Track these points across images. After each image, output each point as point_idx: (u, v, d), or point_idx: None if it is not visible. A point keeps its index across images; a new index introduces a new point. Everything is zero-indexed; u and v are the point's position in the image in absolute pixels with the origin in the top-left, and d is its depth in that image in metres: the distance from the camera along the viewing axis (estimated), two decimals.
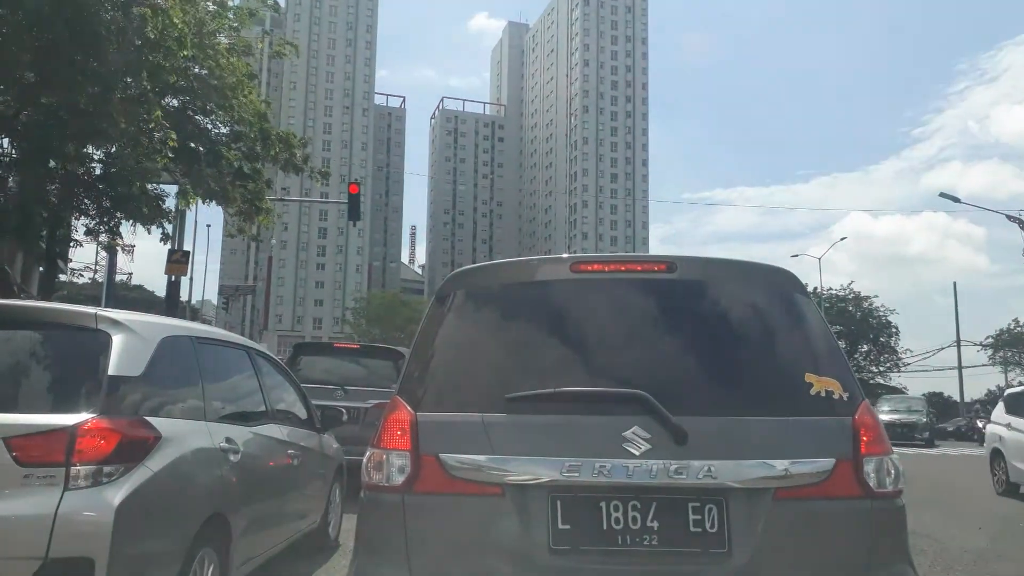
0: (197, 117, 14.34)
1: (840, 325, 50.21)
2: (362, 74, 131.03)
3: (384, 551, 2.49)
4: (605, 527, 2.38)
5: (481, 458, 2.43)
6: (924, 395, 36.93)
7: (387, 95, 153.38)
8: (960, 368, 43.82)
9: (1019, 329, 57.56)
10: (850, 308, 54.20)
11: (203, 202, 15.13)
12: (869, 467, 2.44)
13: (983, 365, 56.59)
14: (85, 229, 14.82)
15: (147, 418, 3.32)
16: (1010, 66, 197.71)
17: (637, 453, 2.38)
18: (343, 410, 6.47)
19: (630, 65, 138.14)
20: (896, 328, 54.94)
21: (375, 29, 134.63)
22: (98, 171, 13.77)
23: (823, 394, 2.52)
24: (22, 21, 9.69)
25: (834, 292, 54.79)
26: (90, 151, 12.88)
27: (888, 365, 55.64)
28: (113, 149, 12.33)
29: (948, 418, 44.25)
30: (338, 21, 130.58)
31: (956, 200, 31.12)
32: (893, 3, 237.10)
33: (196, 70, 12.71)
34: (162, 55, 10.56)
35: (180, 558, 3.32)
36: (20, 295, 14.24)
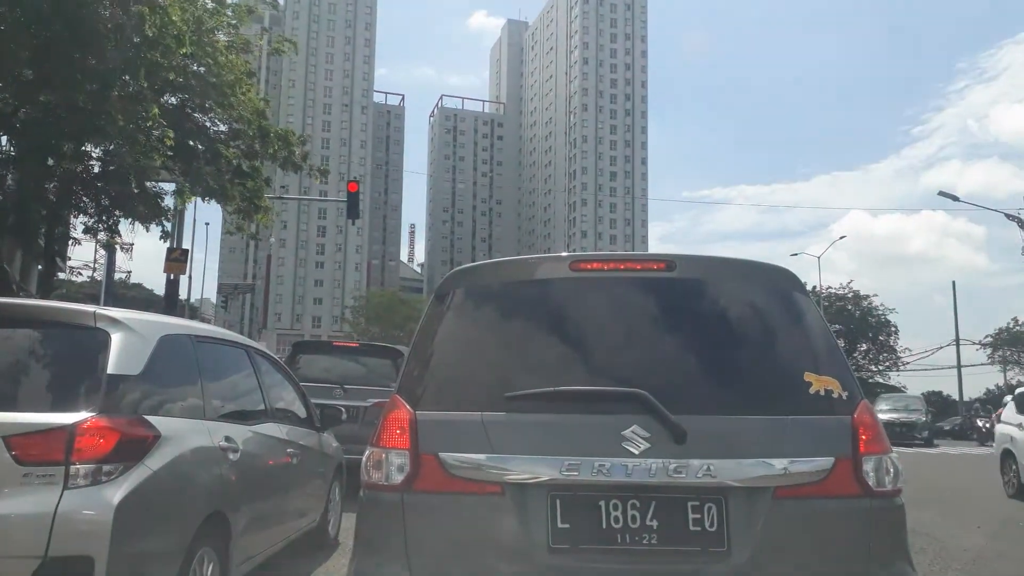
0: (196, 115, 14.33)
1: (839, 324, 50.23)
2: (361, 72, 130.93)
3: (383, 550, 2.49)
4: (604, 526, 2.38)
5: (480, 457, 2.43)
6: (923, 394, 36.79)
7: (386, 93, 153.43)
8: (959, 367, 43.86)
9: (1018, 328, 57.58)
10: (849, 307, 54.21)
11: (203, 200, 15.11)
12: (868, 466, 2.45)
13: (982, 364, 56.72)
14: (84, 227, 14.84)
15: (146, 417, 3.31)
16: (1010, 65, 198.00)
17: (636, 452, 2.38)
18: (342, 409, 6.45)
19: (629, 63, 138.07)
20: (895, 327, 55.00)
21: (374, 27, 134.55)
22: (97, 169, 13.77)
23: (822, 393, 2.52)
24: (21, 18, 9.68)
25: (833, 291, 54.80)
26: (89, 149, 12.87)
27: (887, 364, 55.67)
28: (111, 147, 12.31)
29: (946, 417, 44.29)
30: (337, 19, 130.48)
31: (955, 199, 31.11)
32: (893, 2, 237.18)
33: (195, 68, 12.69)
34: (160, 53, 10.55)
35: (180, 557, 3.32)
36: (19, 293, 14.23)
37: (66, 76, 10.11)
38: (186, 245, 20.97)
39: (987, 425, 29.45)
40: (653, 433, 2.39)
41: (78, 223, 15.06)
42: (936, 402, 50.01)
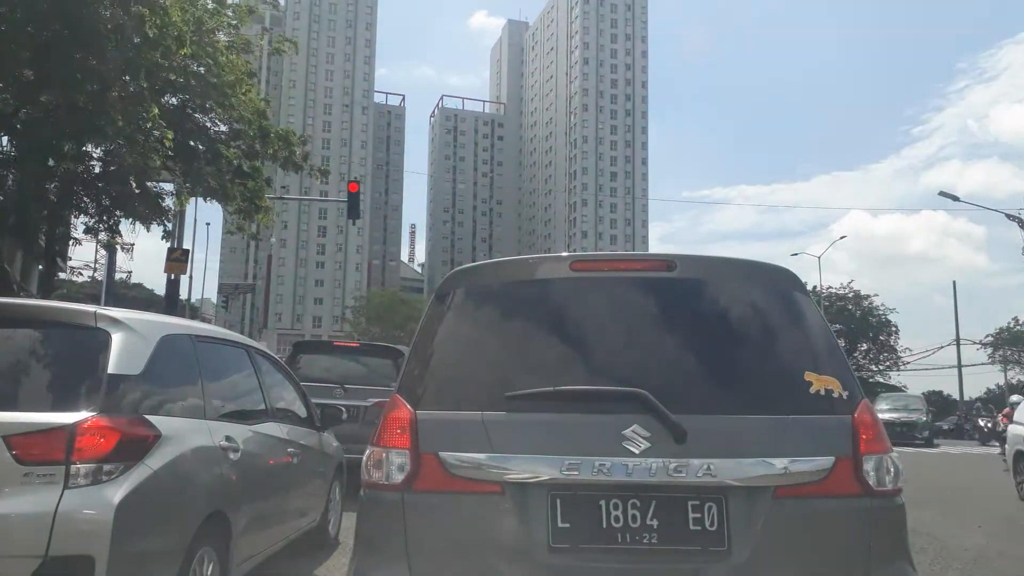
0: (196, 115, 14.33)
1: (840, 324, 50.19)
2: (361, 72, 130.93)
3: (384, 549, 2.49)
4: (604, 525, 2.38)
5: (481, 456, 2.43)
6: (923, 394, 36.65)
7: (387, 93, 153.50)
8: (960, 367, 43.85)
9: (1019, 328, 57.59)
10: (850, 307, 54.19)
11: (203, 200, 15.12)
12: (869, 465, 2.45)
13: (982, 364, 56.67)
14: (84, 227, 14.84)
15: (147, 416, 3.31)
16: (1010, 65, 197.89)
17: (637, 451, 2.38)
18: (343, 408, 6.45)
19: (630, 63, 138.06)
20: (896, 327, 54.97)
21: (374, 27, 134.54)
22: (97, 169, 13.77)
23: (823, 392, 2.52)
24: (20, 18, 9.68)
25: (834, 291, 54.79)
26: (89, 149, 12.87)
27: (887, 364, 55.65)
28: (111, 147, 12.32)
29: (946, 416, 44.22)
30: (337, 19, 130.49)
31: (955, 199, 31.08)
32: (893, 1, 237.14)
33: (195, 68, 12.69)
34: (160, 54, 10.56)
35: (180, 556, 3.32)
36: (20, 293, 14.24)
37: (66, 76, 10.11)
38: (187, 245, 21.01)
39: (989, 425, 29.31)
40: (653, 433, 2.39)
41: (79, 223, 15.07)
42: (937, 402, 50.03)
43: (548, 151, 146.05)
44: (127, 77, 10.70)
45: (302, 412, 5.71)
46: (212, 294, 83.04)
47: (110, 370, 3.25)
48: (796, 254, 52.06)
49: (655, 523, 2.37)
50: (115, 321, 3.44)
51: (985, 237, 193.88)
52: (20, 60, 10.04)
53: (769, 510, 2.36)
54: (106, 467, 3.02)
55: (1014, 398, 16.98)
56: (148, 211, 14.12)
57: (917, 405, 28.67)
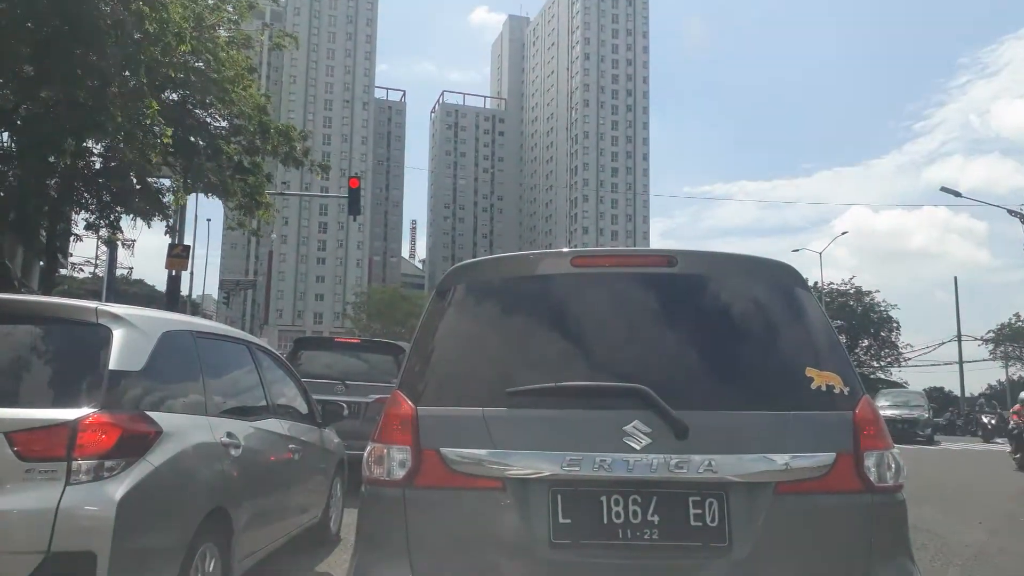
0: (196, 111, 14.33)
1: (841, 320, 50.16)
2: (362, 68, 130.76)
3: (385, 545, 2.49)
4: (606, 521, 2.38)
5: (482, 452, 2.43)
6: (924, 390, 36.43)
7: (387, 89, 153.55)
8: (961, 363, 43.84)
9: (1020, 324, 57.47)
10: (851, 303, 54.17)
11: (204, 196, 15.13)
12: (870, 461, 2.44)
13: (984, 360, 56.64)
14: (85, 223, 14.86)
15: (148, 413, 3.32)
16: (1011, 60, 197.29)
17: (638, 447, 2.38)
18: (344, 405, 6.47)
19: (631, 59, 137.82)
20: (897, 323, 54.91)
21: (375, 23, 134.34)
22: (98, 165, 13.78)
23: (824, 388, 2.52)
24: (20, 14, 9.67)
25: (835, 287, 54.77)
26: (89, 145, 12.87)
27: (889, 360, 55.63)
28: (111, 143, 12.32)
29: (942, 412, 44.17)
30: (338, 15, 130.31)
31: (957, 194, 31.05)
32: None
33: (195, 64, 12.69)
34: (160, 50, 10.55)
35: (181, 552, 3.33)
36: (21, 290, 14.24)
37: (66, 72, 10.11)
38: (188, 241, 20.99)
39: (993, 422, 29.09)
40: (654, 428, 2.39)
41: (79, 219, 15.10)
42: (938, 398, 49.95)
43: (549, 147, 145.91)
44: (127, 73, 10.70)
45: (303, 408, 5.71)
46: (213, 290, 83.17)
47: (111, 366, 3.25)
48: (797, 250, 51.97)
49: (656, 519, 2.37)
50: (116, 317, 3.44)
51: (987, 233, 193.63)
52: (20, 56, 10.05)
53: (770, 506, 2.36)
54: (107, 463, 3.03)
55: None
56: (149, 207, 14.13)
57: (918, 401, 27.98)
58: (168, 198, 14.90)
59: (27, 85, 10.92)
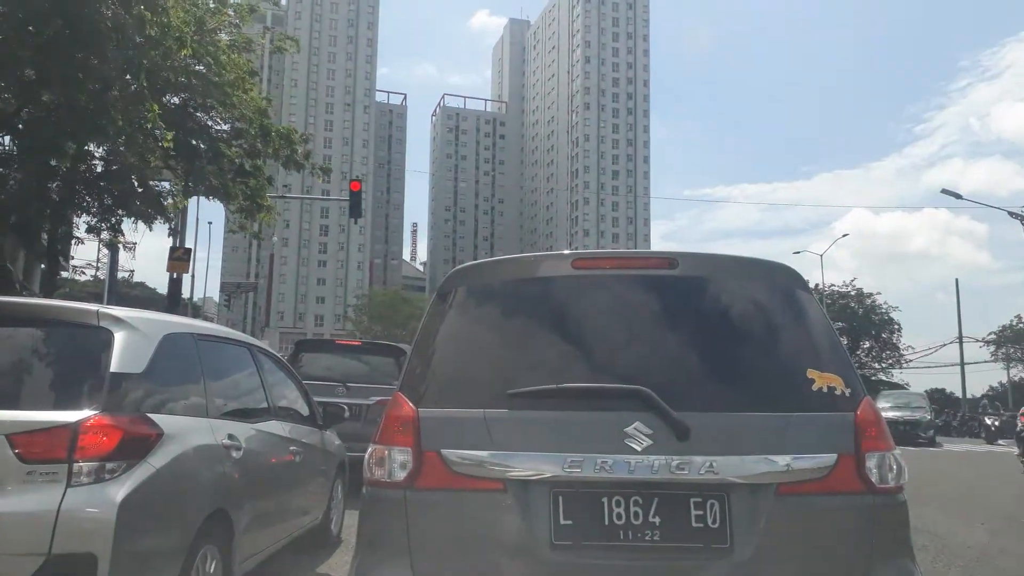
0: (198, 114, 14.34)
1: (842, 321, 50.13)
2: (363, 71, 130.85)
3: (386, 547, 2.49)
4: (607, 522, 2.38)
5: (483, 454, 2.43)
6: (926, 391, 36.19)
7: (388, 92, 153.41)
8: (962, 364, 43.78)
9: (1021, 325, 57.37)
10: (852, 305, 54.14)
11: (206, 199, 15.15)
12: (871, 463, 2.44)
13: (985, 361, 56.53)
14: (87, 226, 14.86)
15: (149, 415, 3.32)
16: (1012, 63, 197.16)
17: (639, 449, 2.38)
18: (345, 407, 6.47)
19: (631, 62, 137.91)
20: (898, 325, 54.88)
21: (376, 26, 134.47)
22: (99, 168, 13.79)
23: (825, 390, 2.52)
24: (21, 17, 9.69)
25: (836, 289, 54.75)
26: (91, 149, 12.89)
27: (890, 362, 55.58)
28: (112, 147, 12.33)
29: (939, 414, 44.04)
30: (339, 18, 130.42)
31: (958, 197, 31.06)
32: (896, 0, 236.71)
33: (196, 67, 12.70)
34: (161, 54, 10.57)
35: (182, 554, 3.33)
36: (22, 293, 14.25)
37: (67, 75, 10.12)
38: (189, 244, 21.03)
39: (996, 423, 28.96)
40: (656, 430, 2.39)
41: (81, 222, 15.09)
42: (939, 400, 49.88)
43: (550, 149, 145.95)
44: (128, 77, 10.71)
45: (304, 410, 5.71)
46: (214, 293, 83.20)
47: (112, 369, 3.25)
48: (798, 252, 52.13)
49: (657, 520, 2.37)
50: (117, 320, 3.44)
51: (987, 235, 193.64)
52: (21, 59, 10.05)
53: (771, 507, 2.36)
54: (108, 465, 3.03)
55: None
56: (150, 210, 14.13)
57: (920, 403, 27.37)
58: (169, 201, 14.91)
59: (28, 89, 10.93)
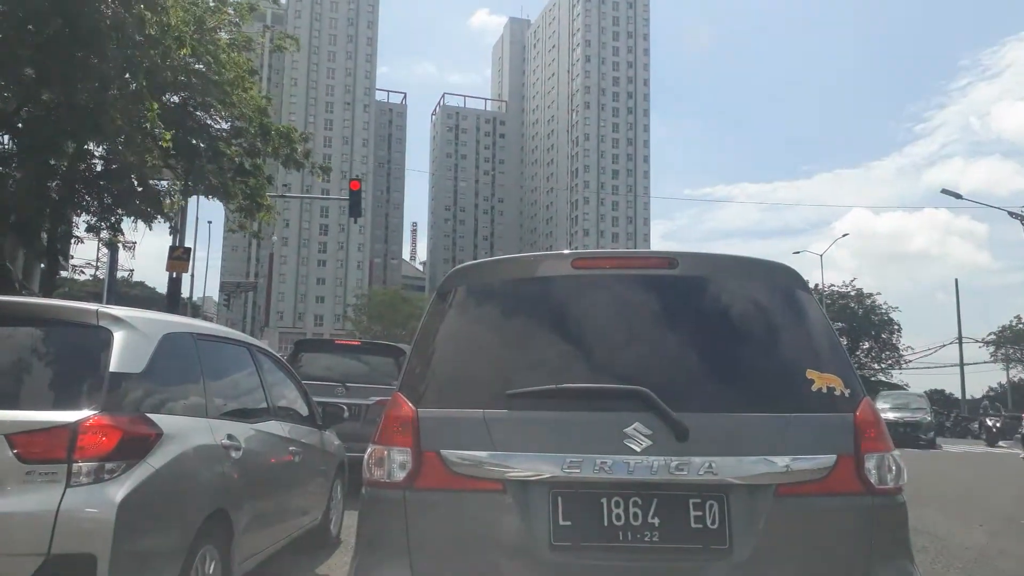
0: (197, 113, 14.34)
1: (842, 322, 50.14)
2: (363, 70, 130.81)
3: (385, 547, 2.49)
4: (606, 523, 2.38)
5: (482, 454, 2.43)
6: (926, 392, 35.93)
7: (388, 91, 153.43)
8: (961, 365, 43.80)
9: (1021, 326, 57.48)
10: (852, 305, 54.17)
11: (205, 198, 15.16)
12: (870, 463, 2.44)
13: (985, 362, 56.61)
14: (86, 226, 14.86)
15: (148, 415, 3.32)
16: (1013, 62, 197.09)
17: (638, 449, 2.38)
18: (344, 407, 6.47)
19: (631, 61, 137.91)
20: (898, 325, 54.90)
21: (376, 25, 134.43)
22: (99, 167, 13.79)
23: (824, 390, 2.52)
24: (21, 16, 9.68)
25: (836, 289, 54.78)
26: (90, 148, 12.89)
27: (890, 362, 55.61)
28: (111, 145, 12.33)
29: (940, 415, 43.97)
30: (339, 17, 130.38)
31: (958, 196, 31.08)
32: None
33: (196, 66, 12.70)
34: (160, 54, 10.56)
35: (182, 555, 3.33)
36: (22, 292, 14.24)
37: (67, 74, 10.12)
38: (188, 243, 21.02)
39: (998, 425, 28.83)
40: (655, 430, 2.39)
41: (80, 221, 15.10)
42: (939, 400, 49.85)
43: (550, 149, 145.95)
44: (127, 76, 10.71)
45: (304, 410, 5.71)
46: (214, 292, 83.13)
47: (112, 368, 3.25)
48: (798, 252, 52.17)
49: (656, 521, 2.37)
50: (117, 319, 3.44)
51: (987, 235, 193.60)
52: (21, 58, 10.05)
53: (771, 508, 2.36)
54: (108, 465, 3.03)
55: None
56: (150, 209, 14.13)
57: (920, 404, 26.66)
58: (167, 201, 14.91)
59: (28, 88, 10.93)
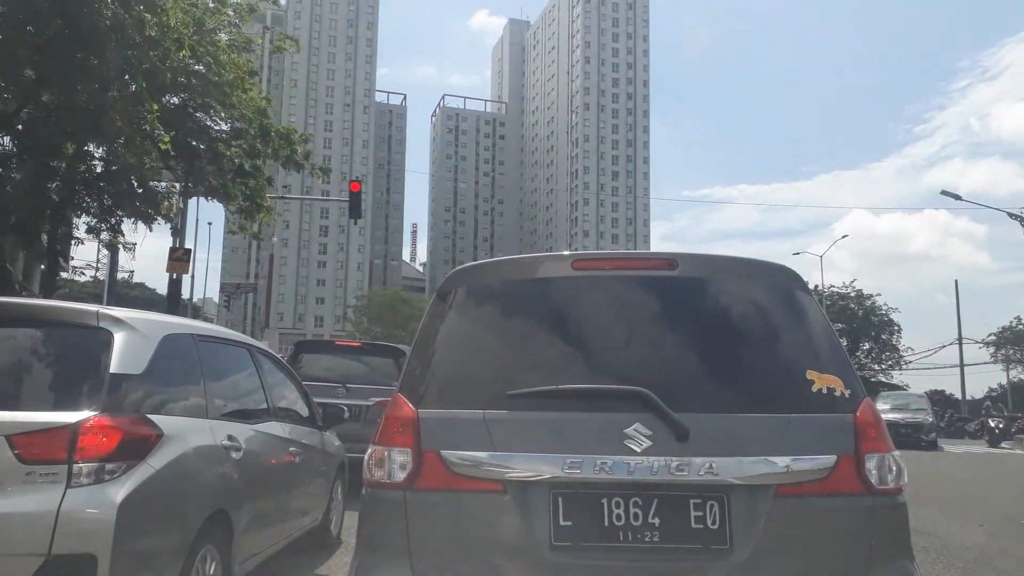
0: (197, 114, 14.35)
1: (842, 323, 50.12)
2: (363, 71, 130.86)
3: (386, 548, 2.49)
4: (606, 524, 2.38)
5: (482, 455, 2.43)
6: (926, 393, 35.71)
7: (388, 92, 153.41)
8: (961, 366, 43.77)
9: (1020, 327, 57.43)
10: (852, 306, 54.17)
11: (205, 199, 15.17)
12: (871, 464, 2.44)
13: (985, 363, 56.60)
14: (86, 227, 14.88)
15: (149, 416, 3.32)
16: (1012, 63, 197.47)
17: (638, 450, 2.38)
18: (345, 408, 6.47)
19: (631, 62, 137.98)
20: (898, 326, 54.89)
21: (376, 26, 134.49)
22: (99, 169, 13.80)
23: (824, 391, 2.52)
24: (21, 18, 9.69)
25: (836, 290, 54.78)
26: (90, 149, 12.89)
27: (890, 363, 55.60)
28: (111, 147, 12.34)
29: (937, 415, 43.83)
30: (339, 18, 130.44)
31: (958, 198, 31.05)
32: (895, 0, 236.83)
33: (196, 67, 12.71)
34: (160, 56, 10.57)
35: (182, 555, 3.33)
36: (22, 293, 14.26)
37: (67, 75, 10.13)
38: (189, 245, 21.00)
39: (1001, 426, 28.71)
40: (655, 431, 2.39)
41: (81, 223, 15.12)
42: (939, 401, 49.81)
43: (550, 150, 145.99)
44: (127, 77, 10.71)
45: (304, 411, 5.71)
46: (214, 294, 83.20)
47: (112, 369, 3.25)
48: (798, 253, 52.05)
49: (657, 521, 2.37)
50: (117, 321, 3.44)
51: (987, 236, 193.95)
52: (21, 59, 10.06)
53: (771, 508, 2.36)
54: (108, 466, 3.03)
55: None
56: (150, 210, 14.14)
57: (920, 404, 26.11)
58: (166, 203, 14.92)
59: (28, 89, 10.94)
